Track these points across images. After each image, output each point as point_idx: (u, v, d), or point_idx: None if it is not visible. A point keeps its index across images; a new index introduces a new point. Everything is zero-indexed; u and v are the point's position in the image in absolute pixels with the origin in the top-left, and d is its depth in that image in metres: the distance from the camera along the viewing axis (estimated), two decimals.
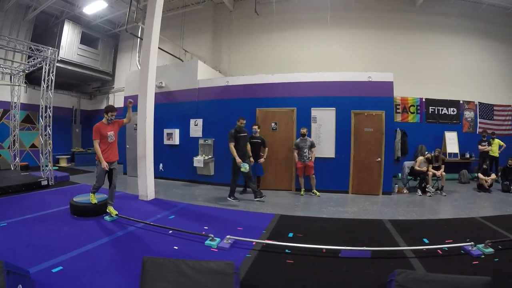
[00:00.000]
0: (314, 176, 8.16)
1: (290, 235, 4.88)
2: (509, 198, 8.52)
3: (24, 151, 12.99)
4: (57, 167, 12.71)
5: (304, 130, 8.09)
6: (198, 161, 9.27)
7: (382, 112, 8.39)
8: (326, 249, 4.16)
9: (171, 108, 10.45)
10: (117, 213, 5.67)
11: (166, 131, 10.31)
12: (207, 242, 4.39)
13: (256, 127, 8.09)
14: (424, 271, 3.56)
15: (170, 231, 4.92)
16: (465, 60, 12.55)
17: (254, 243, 4.42)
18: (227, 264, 2.62)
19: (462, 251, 4.29)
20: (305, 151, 8.04)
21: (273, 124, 8.86)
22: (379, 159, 8.30)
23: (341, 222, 5.83)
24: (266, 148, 8.18)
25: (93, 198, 5.84)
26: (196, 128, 9.88)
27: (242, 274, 3.46)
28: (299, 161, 8.10)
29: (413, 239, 4.73)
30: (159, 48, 9.44)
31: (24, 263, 3.39)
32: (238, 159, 7.16)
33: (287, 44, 12.42)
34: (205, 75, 10.45)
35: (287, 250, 4.19)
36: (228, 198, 7.41)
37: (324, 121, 8.54)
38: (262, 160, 8.11)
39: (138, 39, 11.95)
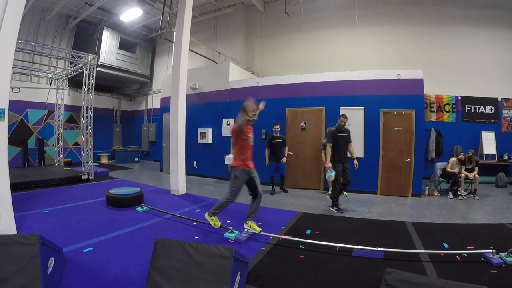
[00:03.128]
0: None
1: (308, 232, 5.01)
2: None
3: (67, 149, 14.01)
4: (97, 164, 13.64)
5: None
6: (230, 159, 9.53)
7: (412, 111, 8.25)
8: (339, 247, 4.22)
9: (205, 109, 10.87)
10: (260, 230, 4.84)
11: (200, 130, 10.76)
12: (226, 234, 4.69)
13: (277, 126, 8.27)
14: (435, 276, 3.59)
15: (194, 223, 5.29)
16: (502, 54, 11.71)
17: (270, 237, 4.62)
18: (226, 248, 2.81)
19: (482, 259, 4.13)
20: None
21: (302, 123, 9.00)
22: (409, 159, 8.16)
23: (361, 222, 5.83)
24: (287, 147, 8.41)
25: (216, 221, 4.90)
26: (228, 127, 10.19)
27: (252, 264, 3.70)
28: (326, 161, 8.11)
29: (433, 243, 4.66)
30: (193, 51, 9.88)
31: (60, 242, 3.76)
32: (328, 164, 6.34)
33: (316, 44, 12.48)
34: (237, 76, 10.76)
35: (301, 246, 4.33)
36: (331, 209, 6.69)
37: (352, 120, 8.42)
38: (284, 159, 8.29)
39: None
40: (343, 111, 8.53)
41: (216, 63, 13.19)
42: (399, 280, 2.48)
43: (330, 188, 8.16)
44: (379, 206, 7.27)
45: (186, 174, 8.34)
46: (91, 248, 4.03)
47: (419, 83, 8.42)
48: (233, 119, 10.02)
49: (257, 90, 9.80)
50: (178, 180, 7.84)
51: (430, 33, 11.72)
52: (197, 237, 4.61)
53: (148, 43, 16.61)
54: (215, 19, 14.15)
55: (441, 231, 5.45)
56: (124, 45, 15.12)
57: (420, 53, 11.43)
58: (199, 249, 2.86)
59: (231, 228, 4.78)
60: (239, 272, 2.97)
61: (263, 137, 9.46)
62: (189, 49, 8.49)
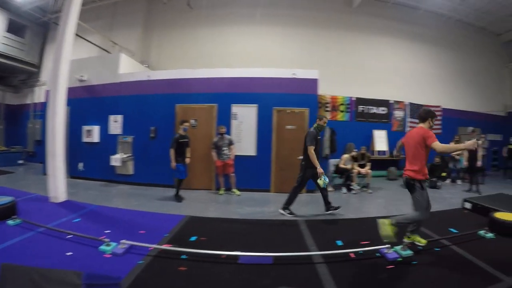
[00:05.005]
0: (234, 174, 7.88)
1: (193, 238, 4.57)
2: (436, 194, 8.62)
3: None
4: None
5: (223, 130, 7.77)
6: (116, 159, 8.70)
7: (306, 109, 8.24)
8: (225, 255, 3.90)
9: (92, 103, 9.74)
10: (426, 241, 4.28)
11: (85, 127, 9.61)
12: (102, 247, 4.08)
13: (187, 124, 7.46)
14: (329, 277, 3.43)
15: (69, 236, 4.51)
16: (397, 62, 13.06)
17: (150, 248, 4.09)
18: (75, 274, 2.48)
19: (377, 254, 4.10)
20: (224, 149, 7.73)
21: (192, 121, 8.38)
22: (302, 157, 8.07)
23: (252, 224, 5.58)
24: (189, 148, 7.64)
25: (420, 238, 4.29)
26: (115, 124, 9.25)
27: (127, 282, 3.21)
28: (218, 160, 7.76)
29: (326, 241, 4.55)
30: (84, 38, 8.78)
31: None
32: (320, 169, 5.89)
33: (217, 40, 12.06)
34: (129, 69, 9.81)
35: (183, 256, 3.89)
36: (282, 212, 6.15)
37: (245, 118, 8.28)
38: (188, 160, 7.56)
39: None
40: (235, 108, 8.30)
41: (111, 53, 12.02)
42: None
43: (222, 188, 7.96)
44: (272, 205, 7.06)
45: (72, 177, 7.54)
46: None
47: (314, 82, 8.44)
48: (121, 116, 9.17)
49: (148, 85, 9.00)
50: (56, 185, 6.73)
51: (329, 37, 12.28)
52: (70, 253, 3.91)
53: (40, 27, 14.53)
54: (115, 6, 12.90)
55: (334, 228, 5.42)
56: (12, 28, 13.03)
57: (318, 55, 11.82)
58: (45, 275, 2.51)
59: (108, 240, 4.19)
60: None
61: (152, 135, 8.74)
62: (81, 37, 7.36)
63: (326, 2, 12.37)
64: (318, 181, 5.91)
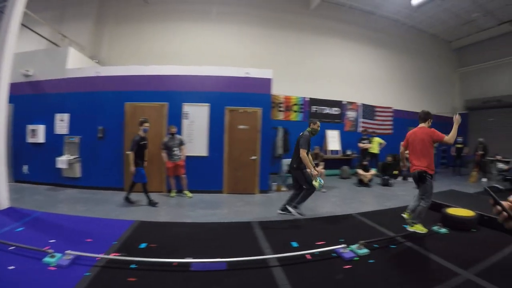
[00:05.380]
0: (185, 176, 7.67)
1: (143, 245, 4.34)
2: (388, 192, 8.90)
3: None
4: None
5: (174, 129, 7.54)
6: (62, 161, 8.21)
7: (259, 109, 8.20)
8: (177, 262, 3.75)
9: (38, 101, 9.11)
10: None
11: (30, 127, 9.03)
12: (46, 259, 3.77)
13: (147, 124, 7.01)
14: (285, 281, 3.40)
15: (11, 248, 4.13)
16: (352, 64, 13.44)
17: (98, 258, 3.83)
18: None
19: (334, 254, 4.11)
20: (174, 150, 7.49)
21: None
22: (255, 157, 8.08)
23: (204, 227, 5.40)
24: (147, 150, 7.28)
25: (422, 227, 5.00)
26: (62, 124, 8.76)
27: None
28: (169, 161, 7.51)
29: (281, 243, 4.49)
30: (32, 30, 8.21)
31: None
32: (315, 171, 5.79)
33: (172, 36, 11.76)
34: (77, 64, 9.29)
35: (132, 265, 3.69)
36: (292, 210, 6.04)
37: (197, 117, 8.11)
38: (146, 164, 7.21)
39: None
40: (187, 107, 8.10)
41: (60, 46, 11.42)
42: None
43: (174, 190, 7.68)
44: (225, 207, 6.97)
45: (16, 181, 7.26)
46: None
47: (267, 82, 8.40)
48: (68, 114, 8.68)
49: (97, 81, 8.56)
50: None
51: (285, 37, 12.39)
52: (12, 267, 3.57)
53: None
54: None
55: (290, 229, 5.43)
56: None
57: (273, 55, 11.91)
58: None
59: (52, 251, 3.86)
60: None
61: (100, 135, 8.32)
62: (28, 28, 6.83)
63: (284, 3, 12.45)
64: (314, 183, 5.82)
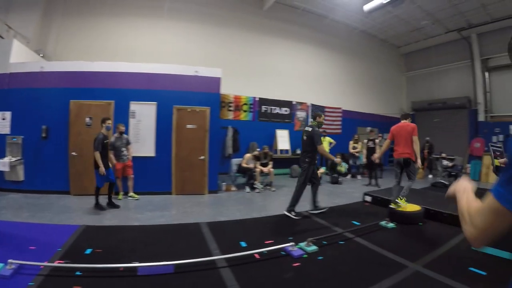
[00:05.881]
0: (133, 176, 7.51)
1: (88, 251, 4.16)
2: (338, 189, 9.18)
3: None
4: None
5: (122, 128, 7.33)
6: (3, 164, 7.60)
7: (207, 108, 8.23)
8: (123, 267, 3.61)
9: None
10: None
11: None
12: None
13: (110, 122, 6.81)
14: (234, 282, 3.38)
15: None
16: (303, 65, 13.77)
17: (42, 267, 3.61)
18: None
19: (283, 253, 4.14)
20: (122, 150, 7.29)
21: (87, 119, 7.87)
22: (203, 157, 8.13)
23: (152, 230, 5.25)
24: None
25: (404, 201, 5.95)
26: (3, 123, 8.29)
27: None
28: (117, 162, 7.29)
29: (230, 244, 4.47)
30: None
31: None
32: (337, 159, 7.23)
33: (122, 31, 11.28)
34: (22, 58, 8.87)
35: (77, 273, 3.51)
36: (288, 214, 6.14)
37: (144, 116, 7.97)
38: (111, 164, 6.99)
39: None
40: (134, 106, 7.98)
41: (3, 38, 10.86)
42: None
43: (121, 192, 7.46)
44: (174, 208, 6.88)
45: None
46: None
47: (216, 81, 8.44)
48: (10, 112, 8.20)
49: (41, 77, 8.19)
50: None
51: (237, 37, 12.40)
52: None
53: None
54: None
55: (238, 229, 5.36)
56: None
57: (224, 54, 11.83)
58: None
59: None
60: None
61: (43, 135, 7.90)
62: None
63: (237, 2, 12.49)
64: (339, 168, 6.84)
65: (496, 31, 13.86)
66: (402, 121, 6.30)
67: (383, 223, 5.61)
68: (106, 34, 11.19)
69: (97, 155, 6.32)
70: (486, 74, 14.97)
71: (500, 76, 14.63)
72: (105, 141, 6.52)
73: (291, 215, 6.11)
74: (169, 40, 11.36)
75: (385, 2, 9.72)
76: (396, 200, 5.89)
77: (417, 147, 5.91)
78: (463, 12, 13.29)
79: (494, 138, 13.76)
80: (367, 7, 10.78)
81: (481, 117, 14.98)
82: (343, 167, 6.79)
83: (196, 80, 8.26)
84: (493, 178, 11.77)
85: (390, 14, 13.58)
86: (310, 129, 6.29)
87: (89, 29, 11.27)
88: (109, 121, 6.73)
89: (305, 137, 6.35)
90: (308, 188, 6.42)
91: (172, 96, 8.11)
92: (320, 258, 4.03)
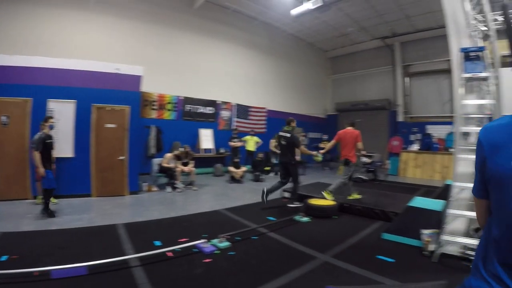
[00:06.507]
0: None
1: (3, 258, 3.99)
2: (259, 187, 9.41)
3: None
4: None
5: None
6: None
7: (127, 107, 8.15)
8: (38, 271, 3.51)
9: None
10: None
11: None
12: None
13: (53, 121, 6.57)
14: (145, 280, 3.42)
15: None
16: (230, 65, 14.02)
17: None
18: None
19: (195, 250, 4.25)
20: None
21: (4, 117, 7.36)
22: (123, 157, 8.09)
23: (68, 234, 5.08)
24: (54, 151, 6.68)
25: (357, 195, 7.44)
26: None
27: None
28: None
29: (145, 243, 4.49)
30: None
31: None
32: (314, 152, 7.91)
33: (45, 24, 10.29)
34: None
35: None
36: (293, 204, 7.11)
37: (62, 115, 7.63)
38: (54, 166, 6.62)
39: None
40: (52, 104, 7.64)
41: None
42: None
43: (40, 196, 6.99)
44: (93, 210, 6.72)
45: None
46: None
47: (137, 79, 8.36)
48: None
49: None
50: None
51: (163, 34, 12.14)
52: None
53: None
54: None
55: (155, 229, 5.36)
56: None
57: (150, 52, 11.59)
58: None
59: None
60: None
61: None
62: None
63: None
64: (315, 158, 7.64)
65: (418, 41, 15.59)
66: (348, 128, 7.40)
67: (297, 217, 5.98)
68: (26, 25, 10.13)
69: (37, 155, 5.99)
70: (407, 79, 16.67)
71: (419, 81, 16.41)
72: (47, 141, 6.19)
73: (295, 204, 7.09)
74: (94, 35, 10.67)
75: (312, 8, 10.19)
76: (328, 192, 7.07)
77: (361, 150, 7.45)
78: (388, 21, 14.63)
79: (412, 137, 15.50)
80: (294, 11, 11.18)
81: (400, 118, 16.70)
82: (319, 157, 7.69)
83: (117, 77, 8.10)
84: (411, 173, 13.66)
85: (318, 20, 14.38)
86: (288, 135, 7.13)
87: (6, 18, 10.11)
88: (52, 120, 6.55)
89: (284, 142, 7.19)
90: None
91: (92, 94, 7.87)
92: (231, 253, 4.20)
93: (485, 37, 4.63)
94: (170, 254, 4.09)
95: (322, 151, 8.23)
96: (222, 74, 13.74)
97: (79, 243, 4.68)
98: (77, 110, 7.82)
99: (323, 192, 7.13)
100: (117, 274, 3.60)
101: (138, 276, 3.54)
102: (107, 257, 3.80)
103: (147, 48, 11.54)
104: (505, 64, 6.05)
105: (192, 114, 12.61)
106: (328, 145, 8.15)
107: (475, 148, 1.23)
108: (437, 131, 14.37)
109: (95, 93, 7.94)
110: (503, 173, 1.03)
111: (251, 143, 12.45)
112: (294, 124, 7.45)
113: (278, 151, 12.44)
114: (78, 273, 3.57)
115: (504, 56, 5.94)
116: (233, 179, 10.56)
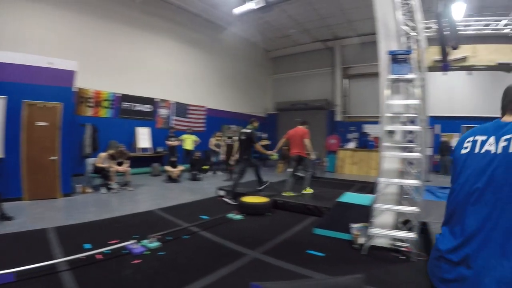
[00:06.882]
0: None
1: None
2: (195, 186, 9.72)
3: None
4: None
5: None
6: None
7: (60, 104, 7.76)
8: None
9: None
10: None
11: None
12: None
13: None
14: (74, 284, 3.34)
15: None
16: (170, 63, 13.91)
17: None
18: None
19: (125, 251, 4.20)
20: None
21: None
22: (55, 157, 7.73)
23: None
24: None
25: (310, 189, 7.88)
26: None
27: None
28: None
29: (74, 247, 4.31)
30: None
31: None
32: (270, 152, 8.77)
33: None
34: None
35: None
36: (260, 188, 7.92)
37: None
38: None
39: None
40: None
41: None
42: None
43: None
44: (23, 215, 6.25)
45: None
46: None
47: (70, 74, 8.03)
48: None
49: None
50: None
51: (102, 27, 11.60)
52: None
53: None
54: None
55: (86, 232, 5.20)
56: None
57: (87, 46, 10.97)
58: None
59: None
60: None
61: None
62: None
63: None
64: (271, 157, 8.49)
65: (357, 45, 16.47)
66: (299, 126, 7.95)
67: (230, 215, 6.06)
68: None
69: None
70: (346, 80, 17.85)
71: (357, 83, 17.67)
72: None
73: (262, 187, 7.95)
74: (27, 25, 9.75)
75: (255, 8, 10.30)
76: (302, 191, 7.77)
77: (309, 146, 7.69)
78: (330, 25, 15.48)
79: (349, 135, 16.59)
80: (237, 10, 11.28)
81: (338, 117, 17.77)
82: (275, 156, 8.32)
83: (50, 72, 7.68)
84: (347, 170, 14.40)
85: (261, 20, 14.71)
86: (248, 131, 7.80)
87: None
88: None
89: (243, 137, 7.80)
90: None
91: (23, 89, 7.38)
92: (161, 253, 4.19)
93: (416, 42, 5.02)
94: (99, 256, 4.03)
95: (275, 149, 8.82)
96: (162, 72, 13.53)
97: (7, 250, 4.48)
98: (8, 107, 7.28)
99: (303, 191, 7.78)
100: (45, 279, 3.51)
101: (66, 280, 3.48)
102: (36, 263, 3.68)
103: (84, 42, 10.89)
104: (436, 68, 6.99)
105: (129, 112, 12.25)
106: (279, 143, 8.68)
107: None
108: (373, 130, 15.27)
109: (26, 88, 7.45)
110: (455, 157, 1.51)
111: (189, 141, 12.44)
112: (256, 124, 8.22)
113: (218, 150, 12.80)
114: (5, 280, 3.45)
115: (436, 61, 6.73)
116: (170, 179, 10.55)
